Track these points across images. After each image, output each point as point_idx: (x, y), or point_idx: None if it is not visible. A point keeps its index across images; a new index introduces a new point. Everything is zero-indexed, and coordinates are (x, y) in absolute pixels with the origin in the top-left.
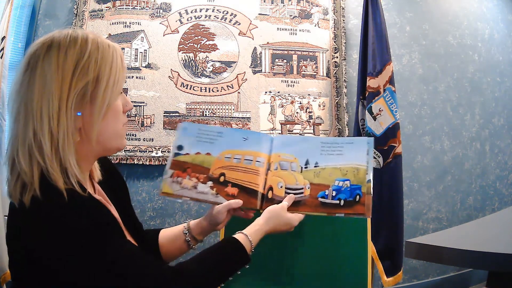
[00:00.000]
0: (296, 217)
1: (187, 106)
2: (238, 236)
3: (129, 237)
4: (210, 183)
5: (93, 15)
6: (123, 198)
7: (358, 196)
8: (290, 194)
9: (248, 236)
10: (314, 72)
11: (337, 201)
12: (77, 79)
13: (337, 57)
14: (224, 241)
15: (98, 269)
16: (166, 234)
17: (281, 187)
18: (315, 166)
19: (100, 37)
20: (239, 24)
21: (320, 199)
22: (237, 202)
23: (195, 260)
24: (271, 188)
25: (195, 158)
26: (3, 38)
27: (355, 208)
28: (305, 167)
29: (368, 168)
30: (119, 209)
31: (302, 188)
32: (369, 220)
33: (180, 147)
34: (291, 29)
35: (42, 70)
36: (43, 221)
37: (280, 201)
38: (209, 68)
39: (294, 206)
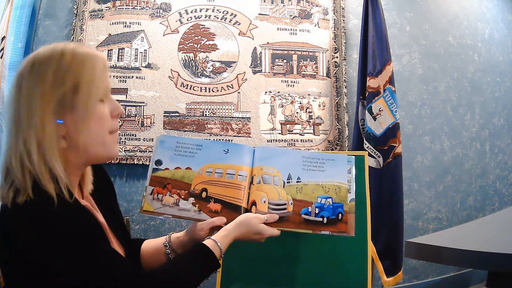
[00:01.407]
0: (270, 230)
1: (187, 106)
2: (207, 242)
3: (116, 243)
4: (192, 200)
5: (93, 15)
6: (113, 204)
7: (340, 214)
8: (273, 214)
9: (217, 241)
10: (314, 72)
11: (320, 219)
12: (55, 89)
13: (337, 57)
14: (194, 248)
15: (88, 273)
16: (148, 245)
17: (264, 202)
18: (297, 181)
19: (80, 47)
20: (239, 24)
21: (303, 215)
22: (221, 220)
23: (167, 267)
24: (254, 203)
25: (175, 173)
26: (3, 38)
27: (338, 226)
28: (288, 182)
29: (351, 186)
30: (109, 215)
31: (285, 204)
32: (369, 220)
33: (158, 162)
34: (291, 29)
35: (27, 86)
36: (32, 225)
37: None
38: (209, 68)
39: (278, 223)
